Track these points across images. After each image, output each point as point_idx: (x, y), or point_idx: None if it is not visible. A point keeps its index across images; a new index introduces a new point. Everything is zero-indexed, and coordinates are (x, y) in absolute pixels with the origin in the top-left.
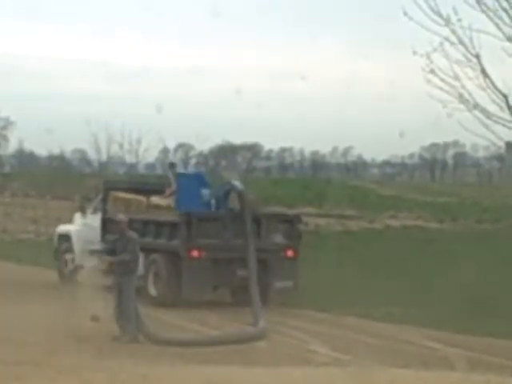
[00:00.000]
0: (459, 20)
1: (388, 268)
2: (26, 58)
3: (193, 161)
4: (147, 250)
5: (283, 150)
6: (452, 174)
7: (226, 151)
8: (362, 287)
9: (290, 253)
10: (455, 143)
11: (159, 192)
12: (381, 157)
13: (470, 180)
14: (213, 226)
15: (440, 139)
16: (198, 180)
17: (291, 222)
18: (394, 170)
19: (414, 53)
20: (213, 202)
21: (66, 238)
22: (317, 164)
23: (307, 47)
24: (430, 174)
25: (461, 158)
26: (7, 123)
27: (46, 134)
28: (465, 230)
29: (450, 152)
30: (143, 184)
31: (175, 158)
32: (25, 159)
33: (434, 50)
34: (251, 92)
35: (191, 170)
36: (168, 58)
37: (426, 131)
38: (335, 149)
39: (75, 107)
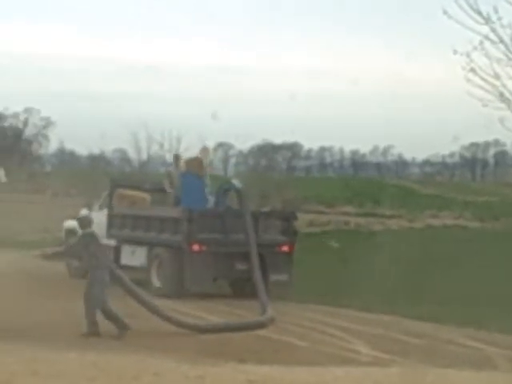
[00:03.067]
0: (499, 18)
1: (429, 267)
2: (66, 59)
3: (232, 160)
4: (151, 244)
5: (323, 149)
6: (493, 173)
7: (266, 150)
8: (403, 286)
9: (285, 248)
10: (496, 142)
11: (163, 189)
12: (421, 156)
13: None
14: (213, 222)
15: (481, 138)
16: (200, 178)
17: (287, 219)
18: (434, 169)
19: (455, 52)
20: (212, 199)
21: (73, 232)
22: (357, 163)
23: (346, 46)
24: (471, 173)
25: (501, 157)
26: (48, 123)
27: (86, 133)
28: (506, 229)
29: (491, 151)
30: (148, 181)
31: (215, 157)
32: (65, 159)
33: (474, 48)
34: (291, 92)
35: (230, 169)
36: (208, 58)
37: (467, 130)
38: (375, 148)
39: (115, 107)
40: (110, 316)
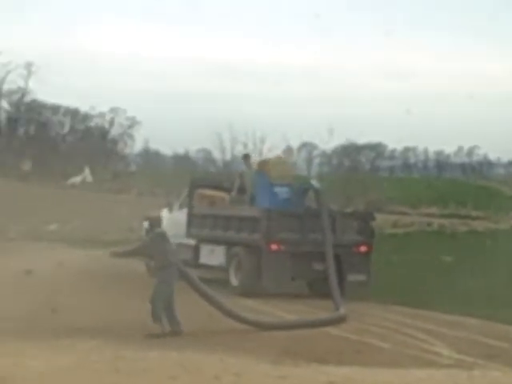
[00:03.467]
0: None
1: None
2: (151, 59)
3: (316, 160)
4: (229, 244)
5: (407, 150)
6: None
7: (350, 151)
8: (487, 287)
9: (363, 248)
10: None
11: (242, 188)
12: (507, 156)
13: None
14: (291, 222)
15: None
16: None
17: (364, 219)
18: None
19: None
20: (291, 199)
21: None
22: (441, 164)
23: (426, 43)
24: None
25: None
26: (133, 123)
27: (171, 133)
28: None
29: None
30: (227, 181)
31: (299, 157)
32: (150, 158)
33: None
34: (374, 91)
35: (314, 169)
36: (290, 57)
37: None
38: (460, 148)
39: (200, 107)
40: (170, 316)
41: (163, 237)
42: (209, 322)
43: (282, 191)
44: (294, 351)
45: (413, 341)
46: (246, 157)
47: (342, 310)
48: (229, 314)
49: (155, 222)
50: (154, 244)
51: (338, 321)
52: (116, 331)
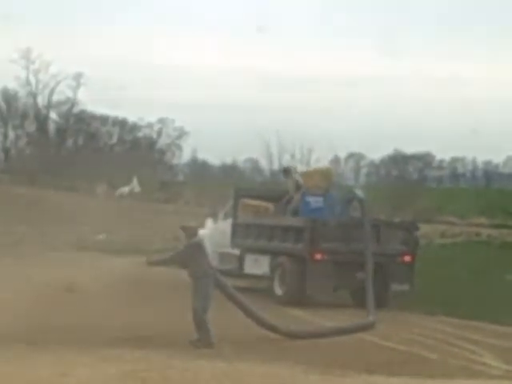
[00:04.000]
0: None
1: None
2: (199, 69)
3: (364, 170)
4: (274, 253)
5: (455, 160)
6: None
7: (397, 161)
8: None
9: (407, 258)
10: None
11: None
12: None
13: None
14: (335, 232)
15: None
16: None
17: (408, 229)
18: None
19: None
20: (336, 209)
21: None
22: (489, 174)
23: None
24: None
25: None
26: (181, 133)
27: (218, 143)
28: None
29: None
30: (271, 191)
31: (346, 167)
32: (198, 168)
33: None
34: (420, 101)
35: (362, 179)
36: (333, 67)
37: None
38: (509, 158)
39: (248, 117)
40: (202, 326)
41: (198, 247)
42: (257, 331)
43: (315, 200)
44: (343, 361)
45: (461, 351)
46: (286, 171)
47: (372, 318)
48: (263, 323)
49: (190, 232)
50: (188, 253)
51: (367, 328)
52: (164, 340)
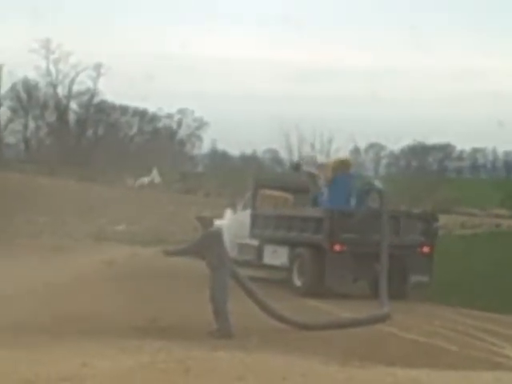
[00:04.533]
0: None
1: None
2: (218, 60)
3: (384, 161)
4: (293, 244)
5: (475, 151)
6: None
7: (417, 151)
8: None
9: (426, 249)
10: None
11: (305, 189)
12: None
13: None
14: (354, 223)
15: None
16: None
17: (428, 220)
18: None
19: None
20: (354, 199)
21: None
22: (510, 165)
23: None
24: None
25: None
26: (201, 124)
27: (238, 134)
28: None
29: None
30: (290, 182)
31: (366, 158)
32: (218, 159)
33: None
34: (441, 92)
35: (382, 170)
36: (351, 58)
37: None
38: None
39: (267, 107)
40: (221, 316)
41: (215, 237)
42: (276, 323)
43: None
44: (362, 353)
45: (481, 343)
46: (296, 166)
47: (386, 309)
48: (276, 316)
49: (206, 223)
50: (204, 243)
51: (383, 319)
52: (182, 331)
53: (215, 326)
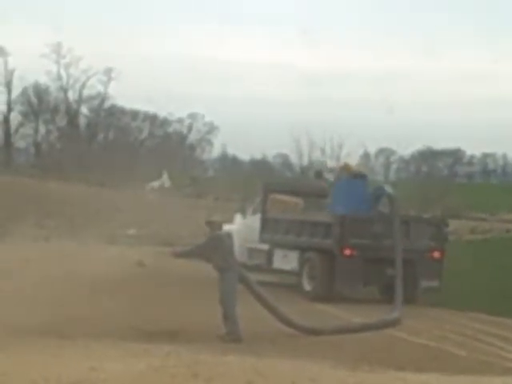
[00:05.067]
0: None
1: None
2: (229, 64)
3: (394, 166)
4: (303, 249)
5: (486, 156)
6: None
7: (427, 156)
8: None
9: (436, 254)
10: None
11: (316, 194)
12: None
13: None
14: (364, 227)
15: None
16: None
17: (438, 225)
18: None
19: None
20: (365, 204)
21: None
22: None
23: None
24: None
25: None
26: (211, 128)
27: (248, 138)
28: None
29: None
30: (301, 186)
31: (376, 162)
32: (228, 163)
33: None
34: (452, 96)
35: (392, 175)
36: (361, 63)
37: None
38: None
39: (278, 112)
40: (230, 320)
41: (220, 239)
42: (285, 327)
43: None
44: (371, 357)
45: (490, 348)
46: (318, 173)
47: (397, 314)
48: (283, 319)
49: (215, 227)
50: (210, 246)
51: (393, 324)
52: (192, 335)
53: (224, 329)
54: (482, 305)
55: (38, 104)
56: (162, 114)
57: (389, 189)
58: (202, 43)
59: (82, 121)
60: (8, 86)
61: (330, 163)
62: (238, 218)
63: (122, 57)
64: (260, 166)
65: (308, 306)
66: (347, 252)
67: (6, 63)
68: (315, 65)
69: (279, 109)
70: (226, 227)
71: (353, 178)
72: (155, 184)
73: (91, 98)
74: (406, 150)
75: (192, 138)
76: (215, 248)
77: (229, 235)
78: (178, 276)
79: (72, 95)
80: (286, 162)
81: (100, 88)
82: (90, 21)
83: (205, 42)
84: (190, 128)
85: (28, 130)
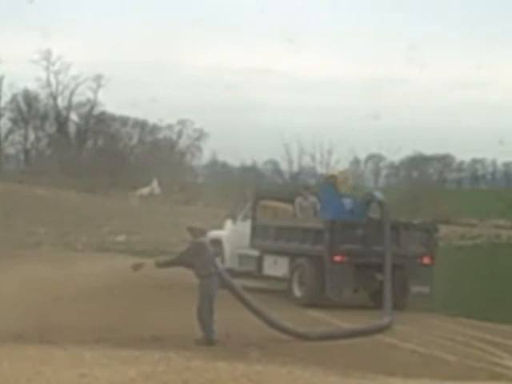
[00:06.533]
0: None
1: None
2: (219, 70)
3: (383, 172)
4: (293, 255)
5: (475, 162)
6: None
7: (417, 162)
8: None
9: (426, 260)
10: None
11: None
12: None
13: None
14: (355, 233)
15: None
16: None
17: (428, 231)
18: None
19: None
20: (354, 210)
21: (216, 242)
22: (510, 175)
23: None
24: None
25: None
26: (201, 134)
27: (238, 144)
28: None
29: None
30: (290, 192)
31: (366, 168)
32: (218, 170)
33: None
34: (441, 102)
35: (381, 180)
36: (350, 69)
37: None
38: None
39: (268, 119)
40: (206, 325)
41: (201, 246)
42: (274, 333)
43: (347, 202)
44: (362, 363)
45: (481, 354)
46: (306, 189)
47: (387, 319)
48: (272, 324)
49: (197, 233)
50: (191, 253)
51: (383, 329)
52: (181, 341)
53: (200, 334)
54: (472, 310)
55: (27, 111)
56: (151, 120)
57: (379, 194)
58: (192, 50)
59: (72, 127)
60: None
61: (320, 169)
62: (228, 224)
63: (111, 63)
64: (250, 173)
65: (298, 312)
66: (337, 258)
67: None
68: (306, 71)
69: (269, 115)
70: (216, 233)
71: (339, 196)
72: (145, 191)
73: (81, 104)
74: (396, 155)
75: (182, 144)
76: (197, 255)
77: (206, 241)
78: (169, 282)
79: (61, 102)
80: (276, 169)
81: (90, 95)
82: (79, 28)
83: (194, 49)
84: (179, 134)
85: (17, 136)
